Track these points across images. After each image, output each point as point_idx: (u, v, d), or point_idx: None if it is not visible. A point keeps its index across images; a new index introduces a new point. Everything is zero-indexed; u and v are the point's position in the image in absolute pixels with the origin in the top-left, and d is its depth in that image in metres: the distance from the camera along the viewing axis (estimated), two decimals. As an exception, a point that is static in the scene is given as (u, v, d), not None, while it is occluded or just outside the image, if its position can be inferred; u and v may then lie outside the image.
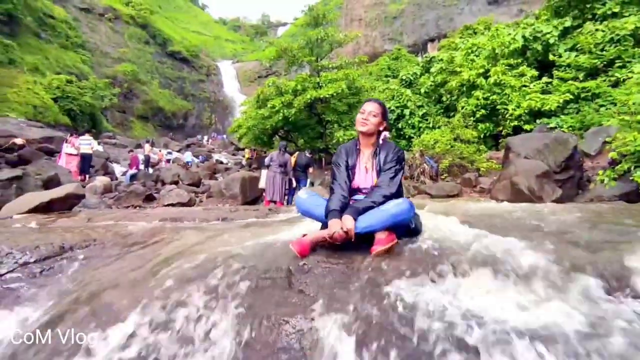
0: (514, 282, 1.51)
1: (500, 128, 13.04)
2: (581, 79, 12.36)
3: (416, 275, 1.55)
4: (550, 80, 12.86)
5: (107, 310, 1.59)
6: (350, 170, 2.19)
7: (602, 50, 12.19)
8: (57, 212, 4.71)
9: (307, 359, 1.34)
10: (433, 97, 18.65)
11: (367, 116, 2.20)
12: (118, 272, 2.04)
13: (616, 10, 13.00)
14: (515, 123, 12.31)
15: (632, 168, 4.84)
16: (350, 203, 2.02)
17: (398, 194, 2.06)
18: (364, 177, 2.18)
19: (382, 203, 1.95)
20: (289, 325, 1.44)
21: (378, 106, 2.24)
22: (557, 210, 2.89)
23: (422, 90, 18.43)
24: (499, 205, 4.08)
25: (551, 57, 13.16)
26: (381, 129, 2.23)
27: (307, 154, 12.10)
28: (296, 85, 16.66)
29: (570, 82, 12.24)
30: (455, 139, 12.32)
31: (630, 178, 4.78)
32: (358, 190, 2.17)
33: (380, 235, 1.86)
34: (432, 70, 18.28)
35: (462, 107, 14.18)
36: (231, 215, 4.40)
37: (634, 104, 5.11)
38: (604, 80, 11.81)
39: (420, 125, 16.98)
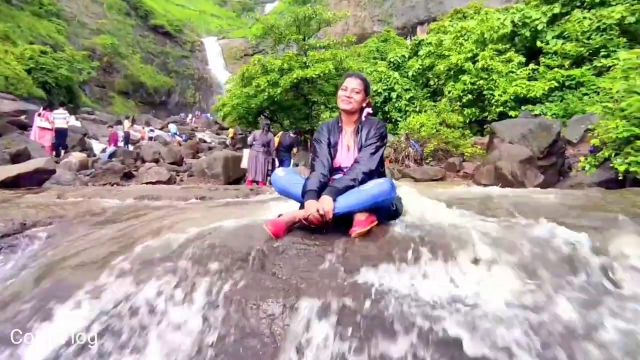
0: (488, 267, 1.45)
1: (486, 114, 13.11)
2: (567, 66, 12.45)
3: (393, 259, 1.49)
4: (537, 67, 12.92)
5: (58, 293, 1.48)
6: (332, 148, 2.11)
7: (588, 38, 12.25)
8: (26, 188, 4.50)
9: (278, 344, 1.27)
10: (420, 81, 18.58)
11: (350, 93, 2.10)
12: (80, 251, 1.92)
13: (604, -2, 13.00)
14: (501, 109, 12.39)
15: (612, 155, 4.89)
16: (330, 182, 1.93)
17: (379, 172, 1.98)
18: (346, 155, 2.10)
19: (363, 180, 1.87)
20: (260, 309, 1.37)
21: (361, 82, 2.13)
22: (539, 195, 2.87)
23: (410, 74, 18.34)
24: (481, 189, 4.07)
25: (539, 43, 13.18)
26: (364, 105, 2.14)
27: (292, 135, 11.96)
28: (282, 63, 16.31)
29: (556, 69, 12.33)
30: (441, 124, 12.35)
31: (610, 165, 4.85)
32: (339, 169, 2.09)
33: (359, 217, 1.78)
34: (421, 53, 18.12)
35: (449, 92, 14.18)
36: (210, 195, 4.27)
37: (617, 92, 5.15)
38: (589, 69, 11.92)
39: (407, 108, 16.93)
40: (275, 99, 16.09)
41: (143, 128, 21.09)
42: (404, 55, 20.00)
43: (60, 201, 3.42)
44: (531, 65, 12.95)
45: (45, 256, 1.97)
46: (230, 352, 1.28)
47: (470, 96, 13.55)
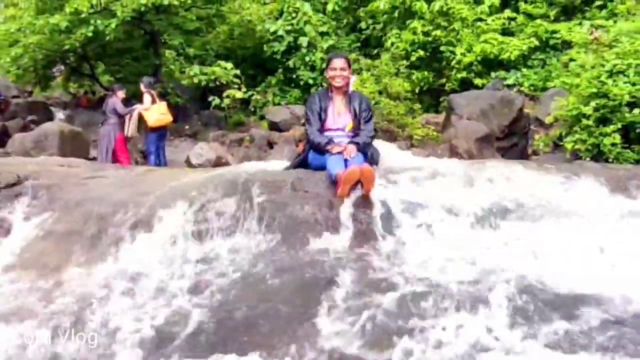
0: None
1: (444, 80, 16.90)
2: (552, 18, 16.89)
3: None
4: (514, 16, 17.15)
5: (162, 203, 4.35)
6: (323, 113, 5.23)
7: (582, -22, 16.83)
8: None
9: (320, 224, 4.28)
10: (345, 21, 21.93)
11: (339, 73, 5.38)
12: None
13: None
14: (464, 75, 16.27)
15: (564, 134, 8.52)
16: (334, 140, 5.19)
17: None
18: (337, 119, 5.34)
19: (371, 138, 5.24)
20: (303, 209, 4.38)
21: (345, 60, 5.47)
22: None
23: (330, 7, 21.44)
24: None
25: (519, -22, 17.45)
26: (350, 78, 5.26)
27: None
28: (119, -24, 18.14)
29: (538, 21, 16.65)
30: (380, 92, 15.61)
31: (560, 144, 8.50)
32: (329, 130, 5.25)
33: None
34: (348, -26, 21.42)
35: (392, 44, 17.76)
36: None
37: (576, 65, 8.82)
38: (579, 23, 16.44)
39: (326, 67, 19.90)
40: (108, 37, 17.73)
41: None
42: (318, -25, 23.14)
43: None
44: (507, 13, 17.14)
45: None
46: (286, 227, 4.26)
47: (422, 52, 17.21)
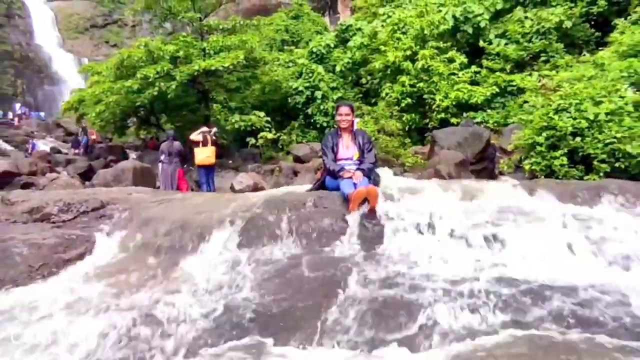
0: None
1: (427, 120, 17.11)
2: (508, 70, 17.07)
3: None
4: (479, 70, 17.38)
5: (210, 224, 4.31)
6: (335, 147, 5.33)
7: (529, 41, 17.05)
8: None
9: (338, 233, 4.23)
10: (350, 78, 22.35)
11: (344, 118, 5.59)
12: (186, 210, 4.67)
13: (545, -4, 18.11)
14: (443, 115, 16.42)
15: (523, 158, 8.61)
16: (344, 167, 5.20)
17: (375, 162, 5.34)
18: (345, 151, 5.41)
19: (373, 164, 5.25)
20: (323, 221, 4.33)
21: (349, 108, 5.65)
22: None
23: (338, 69, 21.90)
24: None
25: (481, 43, 17.71)
26: (353, 120, 5.28)
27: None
28: (177, 50, 18.65)
29: (498, 73, 16.84)
30: (379, 131, 15.92)
31: (520, 166, 8.58)
32: (341, 160, 5.32)
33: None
34: (351, 44, 21.96)
35: (387, 94, 18.01)
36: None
37: (529, 106, 8.89)
38: (530, 74, 16.58)
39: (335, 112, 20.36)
40: (169, 96, 18.21)
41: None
42: (328, 45, 23.63)
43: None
44: (473, 68, 17.37)
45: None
46: (311, 235, 4.22)
47: (409, 100, 17.48)
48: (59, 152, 23.35)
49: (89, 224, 4.91)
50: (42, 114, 37.28)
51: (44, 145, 25.04)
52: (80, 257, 4.46)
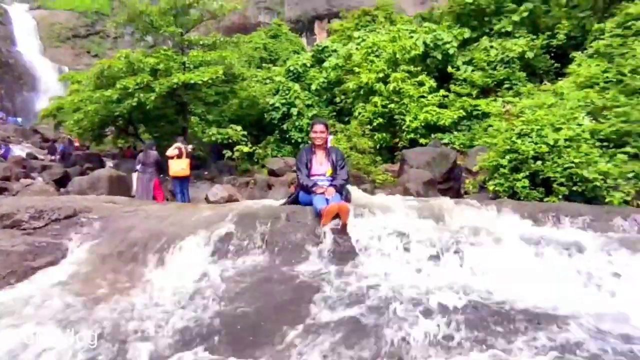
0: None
1: (397, 140, 17.23)
2: (474, 95, 17.36)
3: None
4: (447, 94, 17.63)
5: (183, 234, 4.15)
6: (308, 163, 5.19)
7: (494, 69, 17.40)
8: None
9: (304, 246, 4.13)
10: (325, 97, 22.47)
11: (319, 135, 5.46)
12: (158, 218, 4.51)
13: (509, 29, 18.57)
14: (412, 136, 16.59)
15: (487, 179, 8.68)
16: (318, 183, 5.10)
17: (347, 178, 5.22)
18: (319, 167, 5.29)
19: (345, 181, 5.15)
20: (294, 234, 4.23)
21: (324, 125, 5.53)
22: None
23: (313, 87, 22.08)
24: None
25: (449, 69, 18.01)
26: (327, 137, 5.19)
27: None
28: (158, 62, 18.41)
29: (464, 98, 17.12)
30: (351, 148, 15.96)
31: (485, 186, 8.67)
32: (314, 175, 5.19)
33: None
34: (326, 64, 22.10)
35: (359, 113, 18.11)
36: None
37: (493, 130, 9.05)
38: (494, 100, 16.89)
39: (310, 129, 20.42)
40: (147, 107, 17.92)
41: None
42: (305, 64, 23.77)
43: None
44: (442, 92, 17.61)
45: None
46: (282, 249, 4.11)
47: (381, 120, 17.60)
48: (35, 157, 22.74)
49: (61, 232, 4.68)
50: (19, 119, 36.36)
51: (20, 150, 24.43)
52: (50, 265, 4.25)
